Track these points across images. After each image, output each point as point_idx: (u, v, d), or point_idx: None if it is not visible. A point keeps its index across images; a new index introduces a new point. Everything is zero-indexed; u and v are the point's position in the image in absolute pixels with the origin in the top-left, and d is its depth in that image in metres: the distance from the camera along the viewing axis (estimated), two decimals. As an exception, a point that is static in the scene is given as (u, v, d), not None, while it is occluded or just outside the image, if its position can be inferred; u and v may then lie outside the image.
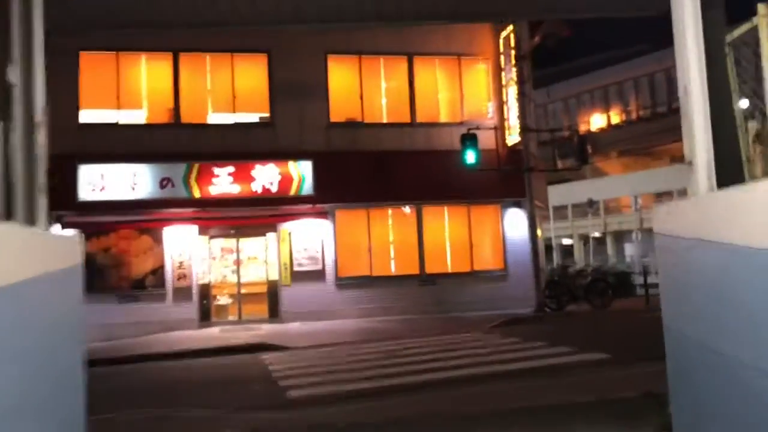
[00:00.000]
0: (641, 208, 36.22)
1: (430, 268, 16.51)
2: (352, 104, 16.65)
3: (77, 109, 15.06)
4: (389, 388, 7.70)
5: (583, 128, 35.52)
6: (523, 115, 15.95)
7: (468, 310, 16.08)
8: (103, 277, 14.88)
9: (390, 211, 16.65)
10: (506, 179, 16.31)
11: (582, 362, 8.71)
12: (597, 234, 38.46)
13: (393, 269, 16.47)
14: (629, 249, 42.76)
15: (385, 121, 16.87)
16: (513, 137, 16.56)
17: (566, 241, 41.62)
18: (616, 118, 38.72)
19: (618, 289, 17.11)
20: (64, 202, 14.47)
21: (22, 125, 3.33)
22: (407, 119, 16.80)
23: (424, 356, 10.05)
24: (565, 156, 23.98)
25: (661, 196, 37.02)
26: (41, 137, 3.44)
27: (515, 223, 17.12)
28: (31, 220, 3.34)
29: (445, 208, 16.86)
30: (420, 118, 16.88)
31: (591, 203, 32.96)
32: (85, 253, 14.78)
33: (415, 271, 16.43)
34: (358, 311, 15.91)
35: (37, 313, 2.80)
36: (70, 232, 4.36)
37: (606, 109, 39.44)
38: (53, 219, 14.52)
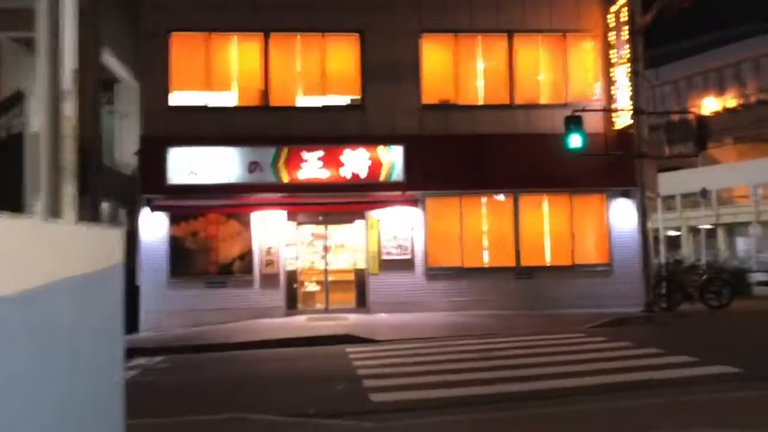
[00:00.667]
0: (761, 198, 33.33)
1: (527, 260, 15.44)
2: (446, 85, 15.75)
3: (167, 91, 14.92)
4: (481, 397, 6.88)
5: (694, 112, 32.99)
6: (635, 96, 14.54)
7: (568, 306, 14.97)
8: (190, 262, 14.74)
9: (484, 199, 15.68)
10: (613, 166, 14.99)
11: (707, 377, 7.50)
12: (707, 226, 35.78)
13: (487, 261, 15.53)
14: (743, 243, 39.66)
15: (481, 102, 15.86)
16: (622, 120, 15.17)
17: (672, 233, 39.06)
18: (731, 101, 35.78)
19: (734, 287, 15.34)
20: (153, 186, 14.42)
21: (46, 94, 2.68)
22: (506, 101, 15.73)
23: (521, 359, 9.15)
24: (678, 141, 22.14)
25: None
26: (69, 109, 2.79)
27: (622, 213, 15.76)
28: (56, 211, 2.72)
29: (545, 196, 15.71)
30: (519, 99, 15.77)
31: (704, 193, 30.53)
32: (174, 237, 14.73)
33: (511, 263, 15.42)
34: (449, 304, 15.09)
35: (63, 320, 2.26)
36: (110, 228, 3.82)
37: (720, 92, 36.50)
38: (143, 202, 14.52)
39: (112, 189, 15.48)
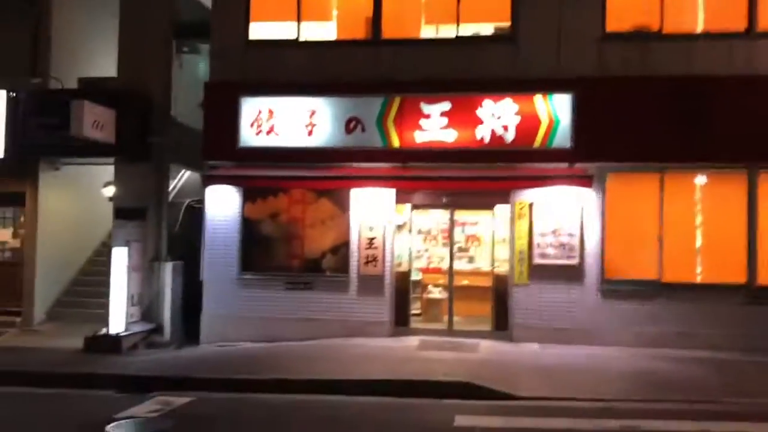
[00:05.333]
0: None
1: (767, 277, 9.87)
2: (643, 3, 10.42)
3: (246, 21, 11.06)
4: None
5: None
6: None
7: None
8: (268, 253, 10.89)
9: (701, 179, 10.20)
10: None
11: None
12: None
13: (700, 274, 10.10)
14: None
15: (700, 29, 10.29)
16: None
17: None
18: None
19: None
20: (219, 149, 10.75)
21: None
22: (740, 25, 10.06)
23: None
24: None
25: None
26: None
27: None
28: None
29: (803, 176, 9.96)
30: (764, 22, 10.06)
31: None
32: (248, 220, 10.91)
33: (740, 279, 9.88)
34: (635, 337, 9.96)
35: None
36: None
37: None
38: (206, 171, 10.94)
39: (192, 152, 12.00)
